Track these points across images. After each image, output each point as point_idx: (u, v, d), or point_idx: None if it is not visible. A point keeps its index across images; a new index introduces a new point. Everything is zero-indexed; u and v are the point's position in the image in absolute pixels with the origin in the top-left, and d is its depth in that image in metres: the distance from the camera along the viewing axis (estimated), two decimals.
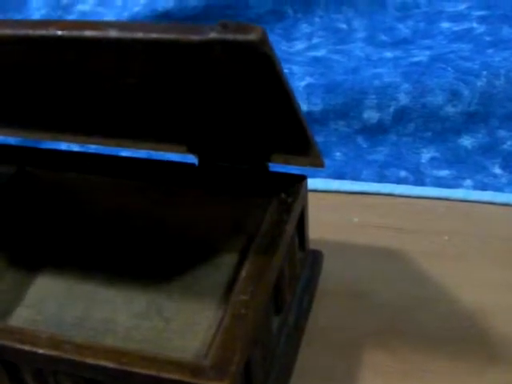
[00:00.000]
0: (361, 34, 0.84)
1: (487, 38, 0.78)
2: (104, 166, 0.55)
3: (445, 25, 0.83)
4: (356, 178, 0.69)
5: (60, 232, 0.60)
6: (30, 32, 0.39)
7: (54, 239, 0.60)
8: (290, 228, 0.49)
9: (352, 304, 0.56)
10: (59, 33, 0.39)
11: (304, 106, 0.73)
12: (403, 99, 0.72)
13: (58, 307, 0.56)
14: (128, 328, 0.53)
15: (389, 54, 0.79)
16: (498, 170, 0.68)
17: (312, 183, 0.58)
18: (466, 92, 0.71)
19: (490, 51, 0.75)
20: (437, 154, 0.70)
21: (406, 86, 0.72)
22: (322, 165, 0.49)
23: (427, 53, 0.77)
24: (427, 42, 0.81)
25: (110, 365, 0.40)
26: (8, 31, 0.40)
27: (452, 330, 0.53)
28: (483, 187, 0.66)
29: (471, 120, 0.71)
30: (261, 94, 0.42)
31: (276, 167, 0.51)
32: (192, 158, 0.53)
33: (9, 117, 0.54)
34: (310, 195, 0.53)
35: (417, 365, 0.51)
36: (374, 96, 0.72)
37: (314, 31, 0.86)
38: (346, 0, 0.87)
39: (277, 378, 0.49)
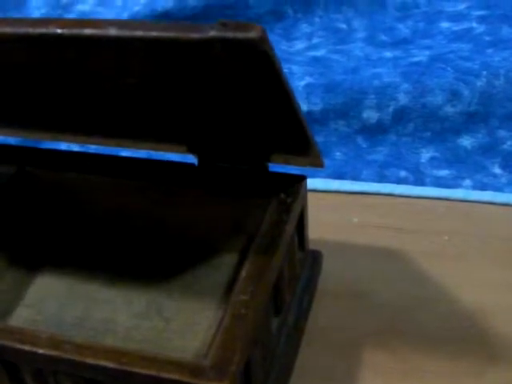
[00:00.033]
0: (360, 34, 0.84)
1: (487, 38, 0.78)
2: (104, 166, 0.55)
3: (444, 25, 0.83)
4: (356, 177, 0.69)
5: (60, 232, 0.60)
6: (30, 30, 0.39)
7: (54, 239, 0.60)
8: (290, 228, 0.49)
9: (352, 304, 0.56)
10: (59, 31, 0.39)
11: (304, 106, 0.73)
12: (403, 99, 0.72)
13: (58, 307, 0.56)
14: (128, 328, 0.53)
15: (388, 54, 0.80)
16: (497, 170, 0.68)
17: (312, 183, 0.58)
18: (465, 92, 0.71)
19: (489, 51, 0.75)
20: (436, 154, 0.70)
21: (405, 85, 0.72)
22: (321, 165, 0.49)
23: (427, 53, 0.77)
24: (427, 41, 0.81)
25: (110, 365, 0.40)
26: (8, 29, 0.40)
27: (452, 330, 0.53)
28: (483, 187, 0.66)
29: (471, 120, 0.71)
30: (260, 92, 0.42)
31: (275, 167, 0.51)
32: (192, 158, 0.53)
33: (9, 117, 0.54)
34: (310, 195, 0.53)
35: (417, 365, 0.51)
36: (373, 96, 0.72)
37: (314, 31, 0.86)
38: (346, 0, 0.87)
39: (277, 378, 0.49)
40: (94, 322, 0.54)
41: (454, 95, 0.71)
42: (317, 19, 0.87)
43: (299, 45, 0.85)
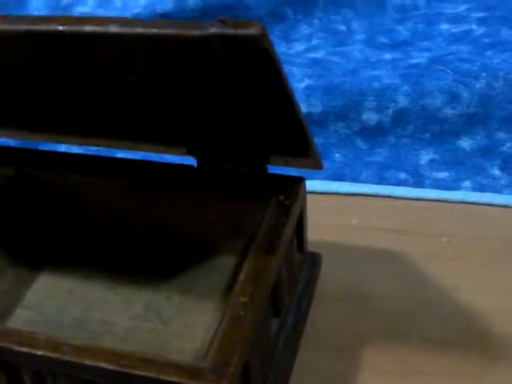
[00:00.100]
0: (360, 36, 0.84)
1: (486, 40, 0.78)
2: (104, 168, 0.55)
3: (444, 26, 0.83)
4: (355, 179, 0.69)
5: (59, 234, 0.60)
6: (31, 27, 0.39)
7: (54, 241, 0.60)
8: (289, 230, 0.49)
9: (351, 306, 0.56)
10: (60, 28, 0.39)
11: (303, 108, 0.73)
12: (402, 101, 0.72)
13: (58, 308, 0.56)
14: (127, 329, 0.53)
15: (388, 56, 0.80)
16: (496, 172, 0.68)
17: (311, 185, 0.58)
18: (464, 94, 0.71)
19: (489, 53, 0.75)
20: (436, 156, 0.70)
21: (405, 87, 0.72)
22: (320, 167, 0.49)
23: (426, 55, 0.77)
24: (426, 43, 0.81)
25: (109, 367, 0.40)
26: (8, 26, 0.40)
27: (452, 331, 0.53)
28: (482, 189, 0.66)
29: (470, 122, 0.71)
30: (260, 91, 0.41)
31: (274, 169, 0.51)
32: (191, 160, 0.53)
33: (8, 118, 0.54)
34: (309, 197, 0.53)
35: (416, 366, 0.51)
36: (372, 98, 0.72)
37: (314, 33, 0.86)
38: (346, 2, 0.87)
39: (275, 380, 0.49)
40: (93, 323, 0.54)
41: (454, 97, 0.71)
42: (316, 21, 0.87)
43: (298, 46, 0.85)
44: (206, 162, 0.53)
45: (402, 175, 0.69)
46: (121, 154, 0.59)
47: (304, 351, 0.53)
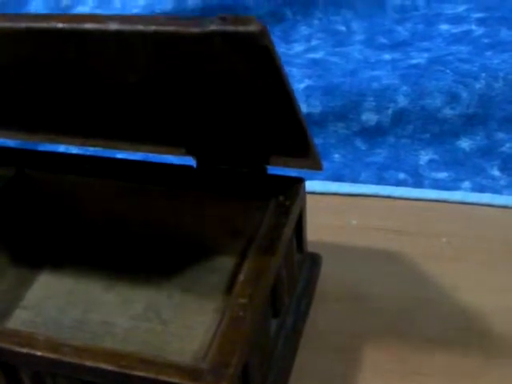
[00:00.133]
0: (359, 37, 0.84)
1: (486, 40, 0.78)
2: (102, 168, 0.55)
3: (443, 27, 0.83)
4: (354, 180, 0.69)
5: (59, 234, 0.60)
6: (31, 25, 0.39)
7: (53, 241, 0.60)
8: (288, 231, 0.49)
9: (351, 306, 0.56)
10: (60, 25, 0.39)
11: (303, 108, 0.73)
12: (402, 101, 0.72)
13: (57, 309, 0.56)
14: (126, 330, 0.53)
15: (387, 57, 0.80)
16: (496, 172, 0.68)
17: (310, 185, 0.58)
18: (464, 94, 0.71)
19: (488, 53, 0.75)
20: (435, 157, 0.70)
21: (404, 88, 0.72)
22: (320, 168, 0.49)
23: (426, 55, 0.77)
24: (426, 44, 0.81)
25: (109, 367, 0.40)
26: (8, 24, 0.40)
27: (451, 331, 0.53)
28: (482, 189, 0.66)
29: (470, 122, 0.71)
30: (260, 89, 0.41)
31: (274, 170, 0.51)
32: (191, 160, 0.53)
33: (8, 118, 0.54)
34: (308, 197, 0.53)
35: (416, 366, 0.51)
36: (372, 98, 0.72)
37: (313, 33, 0.86)
38: (345, 2, 0.87)
39: (275, 380, 0.49)
40: (93, 324, 0.54)
41: (453, 97, 0.71)
42: (316, 21, 0.87)
43: (298, 47, 0.85)
44: (205, 162, 0.53)
45: (402, 175, 0.69)
46: (121, 155, 0.59)
47: (303, 351, 0.53)
